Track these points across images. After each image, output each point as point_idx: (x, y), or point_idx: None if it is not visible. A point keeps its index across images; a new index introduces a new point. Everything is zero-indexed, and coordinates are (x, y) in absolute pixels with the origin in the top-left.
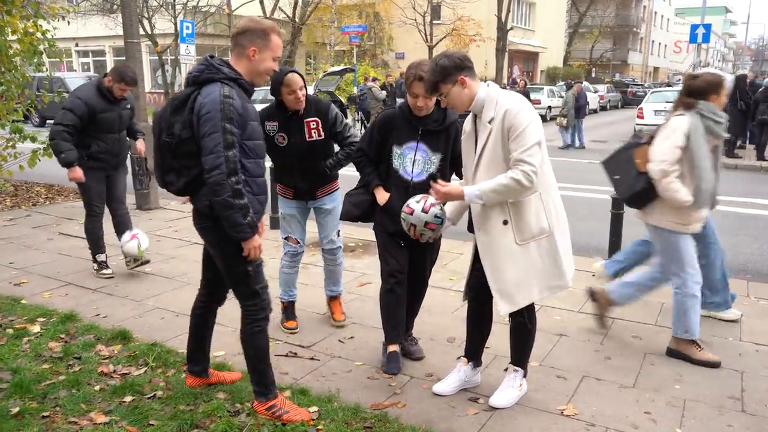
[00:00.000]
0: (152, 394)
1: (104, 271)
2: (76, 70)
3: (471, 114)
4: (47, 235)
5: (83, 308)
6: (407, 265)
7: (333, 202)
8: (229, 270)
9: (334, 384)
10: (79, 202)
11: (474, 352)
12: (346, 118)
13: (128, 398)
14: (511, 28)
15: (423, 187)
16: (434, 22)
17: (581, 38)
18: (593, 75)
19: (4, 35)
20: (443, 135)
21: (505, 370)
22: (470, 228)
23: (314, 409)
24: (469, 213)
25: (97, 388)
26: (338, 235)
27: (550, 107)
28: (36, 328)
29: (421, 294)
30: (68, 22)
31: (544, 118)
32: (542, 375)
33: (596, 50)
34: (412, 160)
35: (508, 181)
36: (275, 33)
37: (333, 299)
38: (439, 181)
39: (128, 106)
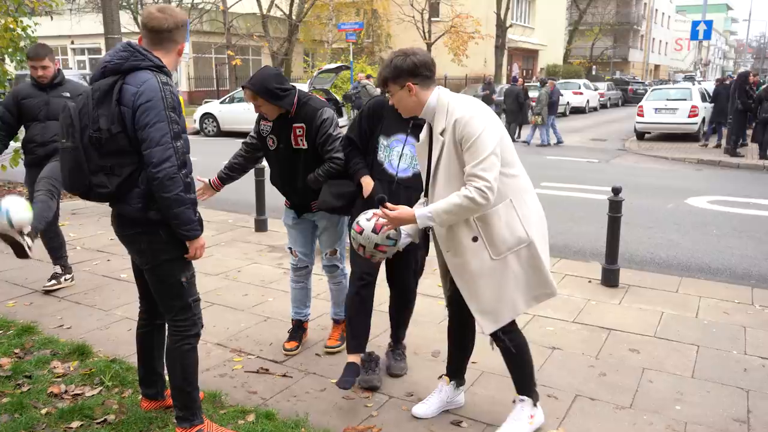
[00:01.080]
0: (103, 419)
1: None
2: (71, 68)
3: (426, 124)
4: None
5: (46, 319)
6: (377, 266)
7: (329, 219)
8: (160, 281)
9: (305, 405)
10: (62, 201)
11: (457, 369)
12: (342, 116)
13: (76, 423)
14: (511, 26)
15: (408, 183)
16: (433, 19)
17: (581, 36)
18: (593, 73)
19: None
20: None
21: (513, 401)
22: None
23: None
24: (432, 233)
25: (43, 411)
26: (334, 254)
27: None
28: None
29: (406, 304)
30: (51, 18)
31: None
32: None
33: (596, 48)
34: (399, 153)
35: (460, 200)
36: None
37: (334, 323)
38: (388, 204)
39: (65, 94)
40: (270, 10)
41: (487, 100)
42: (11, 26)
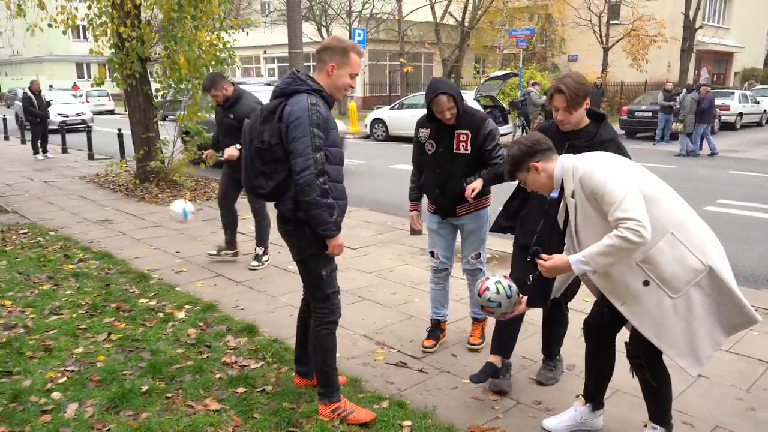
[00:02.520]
0: (262, 389)
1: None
2: (263, 75)
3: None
4: (212, 228)
5: (225, 299)
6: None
7: (476, 222)
8: (306, 272)
9: (435, 400)
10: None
11: (593, 392)
12: (507, 123)
13: (241, 389)
14: (700, 27)
15: (558, 204)
16: (611, 22)
17: None
18: None
19: (193, 47)
20: (591, 151)
21: (645, 426)
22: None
23: (408, 423)
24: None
25: (217, 376)
26: (478, 258)
27: (741, 114)
28: (181, 315)
29: (556, 320)
30: (247, 33)
31: (733, 126)
32: None
33: None
34: None
35: (613, 240)
36: (354, 51)
37: (474, 321)
38: (543, 255)
39: (230, 115)
40: (443, 18)
41: (668, 110)
42: (215, 42)
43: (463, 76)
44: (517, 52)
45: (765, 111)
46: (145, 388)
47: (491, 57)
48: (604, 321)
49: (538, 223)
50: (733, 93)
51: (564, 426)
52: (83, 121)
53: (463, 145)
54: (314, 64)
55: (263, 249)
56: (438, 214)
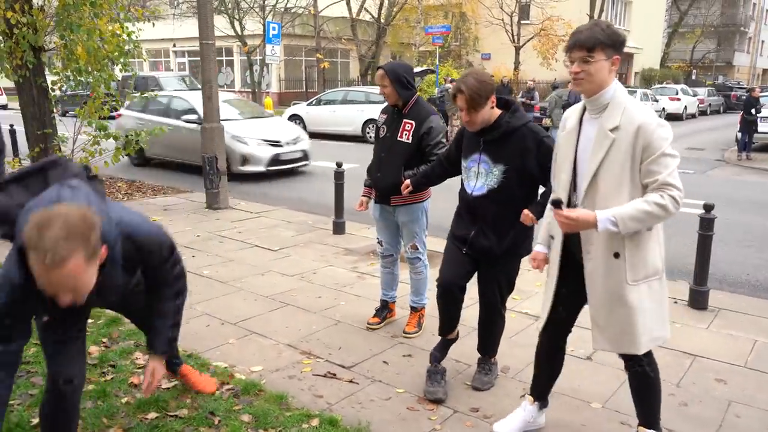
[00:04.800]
0: (176, 413)
1: None
2: (173, 70)
3: (578, 108)
4: None
5: None
6: (462, 275)
7: (408, 215)
8: None
9: (369, 413)
10: (155, 198)
11: (542, 391)
12: (447, 124)
13: (152, 414)
14: None
15: (482, 203)
16: (522, 22)
17: (681, 38)
18: (693, 77)
19: (92, 37)
20: (507, 143)
21: None
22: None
23: None
24: (569, 236)
25: (123, 400)
26: (415, 249)
27: None
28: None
29: (494, 319)
30: (153, 25)
31: None
32: (604, 419)
33: (698, 51)
34: (476, 173)
35: (651, 207)
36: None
37: (412, 310)
38: (564, 207)
39: None
40: (359, 14)
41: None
42: (118, 32)
43: None
44: (433, 49)
45: (663, 109)
46: (35, 420)
47: (407, 54)
48: (563, 318)
49: (471, 218)
50: (635, 92)
51: (516, 428)
52: None
53: (406, 134)
54: (226, 58)
55: None
56: (377, 201)
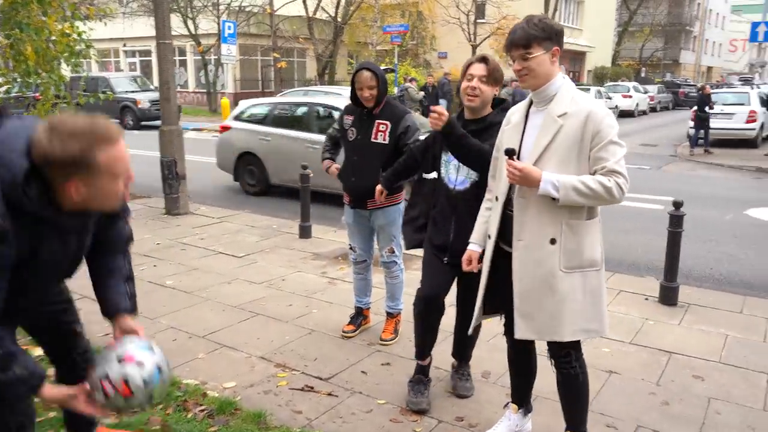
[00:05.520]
0: None
1: None
2: (123, 70)
3: (524, 104)
4: None
5: (91, 326)
6: (445, 287)
7: (385, 218)
8: None
9: (350, 427)
10: None
11: (523, 396)
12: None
13: None
14: None
15: (465, 197)
16: (478, 21)
17: (631, 37)
18: (643, 75)
19: (41, 37)
20: (488, 135)
21: None
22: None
23: None
24: (504, 222)
25: None
26: (392, 252)
27: None
28: (38, 351)
29: (470, 321)
30: (105, 24)
31: None
32: (590, 422)
33: (646, 49)
34: (457, 166)
35: (597, 186)
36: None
37: (388, 316)
38: (515, 158)
39: None
40: (316, 13)
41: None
42: (67, 31)
43: (338, 72)
44: (391, 48)
45: (617, 106)
46: None
47: (365, 53)
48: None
49: (449, 219)
50: (589, 89)
51: None
52: None
53: (381, 135)
54: (180, 58)
55: None
56: (352, 206)
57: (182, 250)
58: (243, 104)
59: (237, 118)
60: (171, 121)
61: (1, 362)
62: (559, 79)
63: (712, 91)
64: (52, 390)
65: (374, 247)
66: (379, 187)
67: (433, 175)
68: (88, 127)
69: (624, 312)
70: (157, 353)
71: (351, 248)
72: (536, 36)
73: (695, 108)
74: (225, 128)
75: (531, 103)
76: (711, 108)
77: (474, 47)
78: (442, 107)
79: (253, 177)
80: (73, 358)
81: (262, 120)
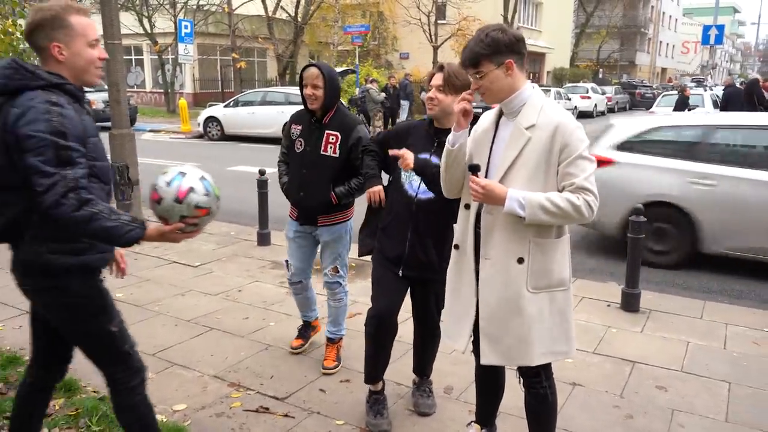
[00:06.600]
0: None
1: None
2: None
3: (495, 111)
4: None
5: None
6: (399, 303)
7: (331, 235)
8: (89, 338)
9: None
10: None
11: (488, 416)
12: (369, 125)
13: None
14: (517, 29)
15: (428, 206)
16: (439, 21)
17: (588, 39)
18: (600, 76)
19: None
20: None
21: None
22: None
23: None
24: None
25: None
26: (336, 272)
27: None
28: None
29: (433, 338)
30: None
31: None
32: None
33: (603, 51)
34: None
35: (564, 203)
36: (72, 13)
37: (328, 342)
38: (479, 174)
39: None
40: (275, 12)
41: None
42: (10, 30)
43: (298, 72)
44: (352, 48)
45: (576, 107)
46: None
47: (326, 53)
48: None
49: (406, 229)
50: (549, 90)
51: None
52: None
53: (331, 147)
54: (136, 57)
55: None
56: (298, 221)
57: (134, 260)
58: (637, 123)
59: (624, 146)
60: (122, 125)
61: (108, 212)
62: (528, 89)
63: (692, 93)
64: (153, 230)
65: (312, 267)
66: (376, 189)
67: (386, 177)
68: (62, 1)
69: (586, 320)
70: (188, 172)
71: (287, 265)
72: (483, 54)
73: (675, 109)
74: (607, 162)
75: (502, 112)
76: (690, 110)
77: (435, 48)
78: (397, 151)
79: (666, 241)
80: (60, 367)
81: (688, 151)
